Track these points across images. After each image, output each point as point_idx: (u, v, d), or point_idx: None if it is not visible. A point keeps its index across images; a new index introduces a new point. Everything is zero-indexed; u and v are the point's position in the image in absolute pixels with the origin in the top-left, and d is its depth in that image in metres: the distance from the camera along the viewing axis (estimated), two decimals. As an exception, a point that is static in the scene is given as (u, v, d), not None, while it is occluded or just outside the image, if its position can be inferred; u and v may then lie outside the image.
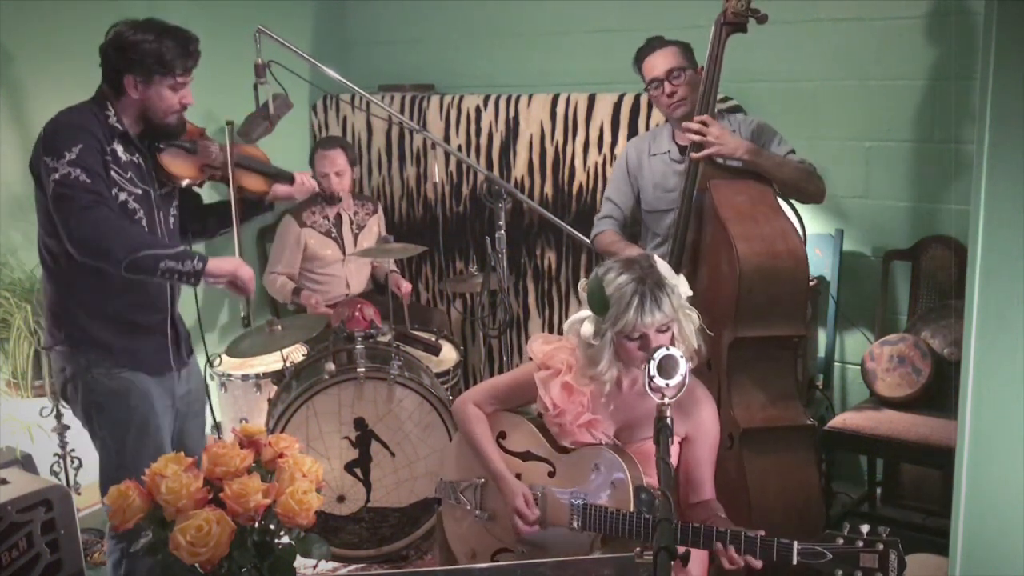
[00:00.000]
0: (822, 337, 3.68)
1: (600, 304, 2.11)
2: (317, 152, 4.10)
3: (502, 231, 3.44)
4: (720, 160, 2.88)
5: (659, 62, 3.02)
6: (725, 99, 3.60)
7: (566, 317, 2.26)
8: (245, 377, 3.60)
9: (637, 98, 3.76)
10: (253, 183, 2.87)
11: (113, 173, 2.49)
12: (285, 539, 1.77)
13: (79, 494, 3.49)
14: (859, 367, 3.42)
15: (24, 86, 3.54)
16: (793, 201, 3.03)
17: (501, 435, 2.39)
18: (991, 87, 1.70)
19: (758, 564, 1.94)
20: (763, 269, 2.71)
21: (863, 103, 3.54)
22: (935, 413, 3.14)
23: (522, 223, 4.11)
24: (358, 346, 3.31)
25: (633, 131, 3.73)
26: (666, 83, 3.01)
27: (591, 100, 3.90)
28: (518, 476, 2.32)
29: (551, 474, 2.29)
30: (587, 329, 2.16)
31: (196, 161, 2.71)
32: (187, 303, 2.85)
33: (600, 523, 2.14)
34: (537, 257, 4.14)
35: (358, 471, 3.34)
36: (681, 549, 2.00)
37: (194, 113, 2.72)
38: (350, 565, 3.36)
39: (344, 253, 4.14)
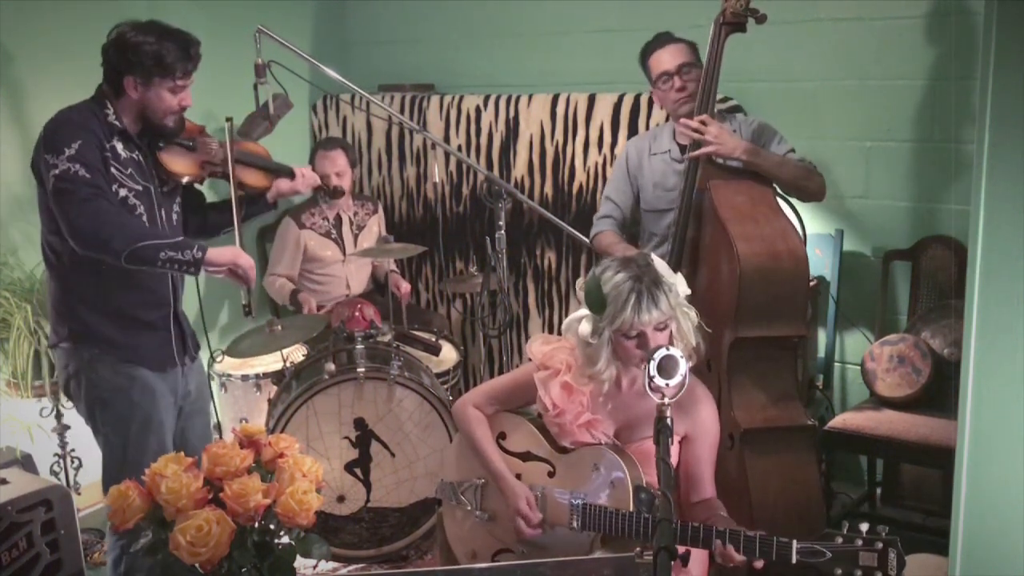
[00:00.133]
0: (822, 337, 3.68)
1: (597, 302, 2.11)
2: (317, 152, 4.10)
3: (502, 231, 3.43)
4: (719, 160, 2.88)
5: (670, 56, 3.02)
6: (725, 99, 3.59)
7: (566, 317, 2.25)
8: (245, 377, 3.60)
9: (637, 98, 3.76)
10: (254, 179, 2.87)
11: (113, 169, 2.50)
12: (285, 539, 1.77)
13: (79, 494, 3.49)
14: (859, 367, 3.42)
15: (24, 86, 3.54)
16: (793, 201, 3.03)
17: (501, 436, 2.40)
18: (991, 87, 1.70)
19: (759, 564, 1.94)
20: (763, 269, 2.71)
21: (863, 103, 3.54)
22: (935, 413, 3.13)
23: (522, 223, 4.11)
24: (358, 346, 3.31)
25: (633, 131, 3.73)
26: (676, 77, 3.00)
27: (591, 100, 3.90)
28: (518, 476, 2.32)
29: (551, 474, 2.29)
30: (585, 328, 2.17)
31: (196, 158, 2.72)
32: (190, 301, 2.84)
33: (600, 523, 2.14)
34: (537, 257, 4.14)
35: (358, 471, 3.34)
36: (681, 549, 2.01)
37: (194, 113, 2.73)
38: (350, 565, 3.35)
39: (344, 254, 4.14)
